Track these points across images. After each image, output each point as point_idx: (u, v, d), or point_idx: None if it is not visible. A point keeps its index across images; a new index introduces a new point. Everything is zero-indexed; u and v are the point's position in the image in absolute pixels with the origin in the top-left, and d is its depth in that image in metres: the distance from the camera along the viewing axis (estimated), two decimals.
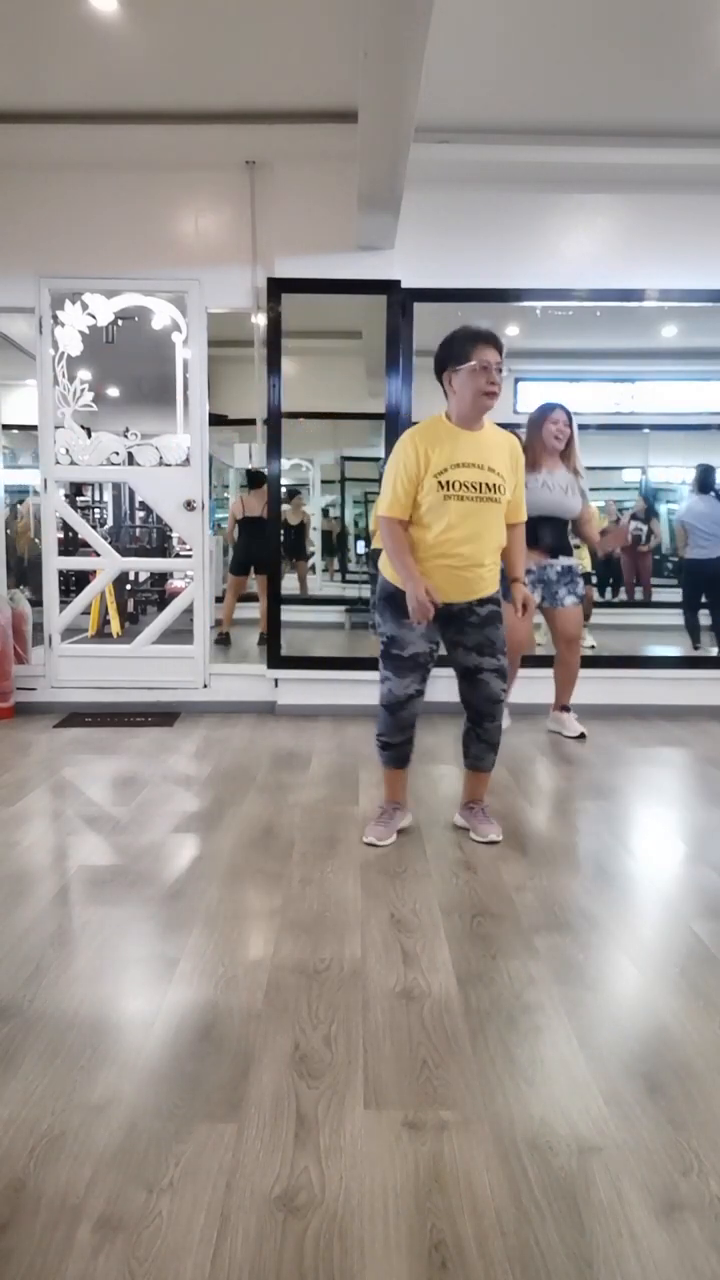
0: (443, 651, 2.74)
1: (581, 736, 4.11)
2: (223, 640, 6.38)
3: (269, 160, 4.35)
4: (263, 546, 6.57)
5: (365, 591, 7.18)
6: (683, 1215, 1.26)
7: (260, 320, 4.52)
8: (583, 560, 7.01)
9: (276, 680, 4.66)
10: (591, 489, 9.25)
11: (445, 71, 3.54)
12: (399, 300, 4.40)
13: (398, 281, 4.39)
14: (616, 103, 3.92)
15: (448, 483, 2.51)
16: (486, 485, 2.53)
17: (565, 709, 4.22)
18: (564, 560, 4.05)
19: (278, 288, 4.41)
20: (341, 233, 4.28)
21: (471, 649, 2.68)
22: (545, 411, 4.02)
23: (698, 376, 7.80)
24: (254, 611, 6.80)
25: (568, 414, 4.01)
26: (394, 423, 4.43)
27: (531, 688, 4.63)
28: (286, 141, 4.21)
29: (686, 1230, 1.23)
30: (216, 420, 4.91)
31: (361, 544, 9.52)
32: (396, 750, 2.78)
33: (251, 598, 7.03)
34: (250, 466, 6.89)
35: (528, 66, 3.63)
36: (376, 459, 5.55)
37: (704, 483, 6.20)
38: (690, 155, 4.20)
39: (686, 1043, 1.69)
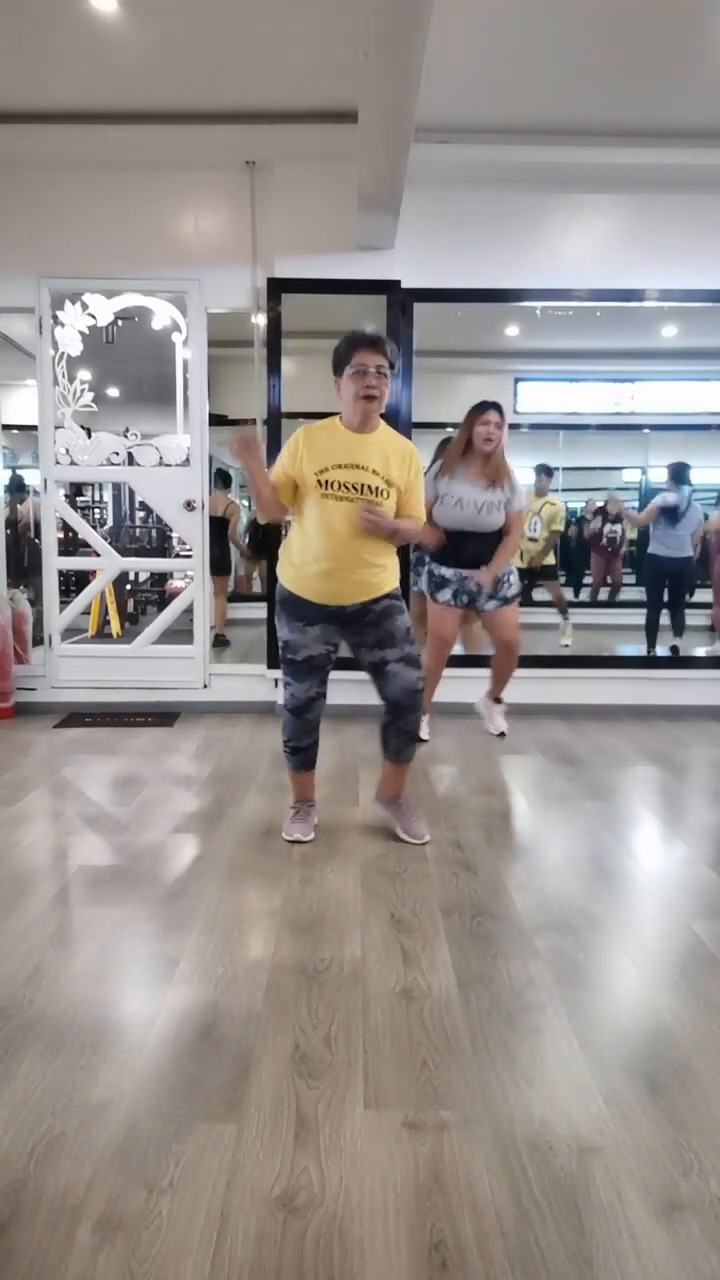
0: (347, 653, 2.73)
1: (501, 735, 4.11)
2: (219, 643, 6.38)
3: (269, 160, 4.35)
4: (222, 547, 6.69)
5: None
6: (683, 1215, 1.26)
7: (260, 320, 4.52)
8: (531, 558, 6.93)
9: (277, 680, 4.66)
10: (592, 489, 9.21)
11: (445, 71, 3.54)
12: (399, 300, 4.40)
13: (398, 281, 4.39)
14: (616, 103, 3.92)
15: (326, 482, 2.51)
16: (367, 486, 2.52)
17: (497, 700, 4.18)
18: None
19: (278, 288, 4.41)
20: (341, 233, 4.28)
21: (373, 646, 2.66)
22: (479, 410, 3.79)
23: (698, 376, 7.80)
24: (246, 612, 6.84)
25: (501, 415, 3.80)
26: (394, 423, 4.42)
27: (533, 687, 4.64)
28: (286, 141, 4.21)
29: (686, 1230, 1.23)
30: (216, 420, 4.91)
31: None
32: (304, 753, 2.79)
33: (240, 597, 7.08)
34: (226, 467, 6.96)
35: (528, 66, 3.63)
36: None
37: (678, 479, 6.11)
38: (690, 155, 4.20)
39: (686, 1043, 1.69)
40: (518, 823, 3.03)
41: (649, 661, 5.20)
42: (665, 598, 6.15)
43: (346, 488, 2.51)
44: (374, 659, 2.67)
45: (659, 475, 9.60)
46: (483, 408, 3.80)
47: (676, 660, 5.29)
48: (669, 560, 6.05)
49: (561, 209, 4.47)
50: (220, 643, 6.33)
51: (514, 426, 7.70)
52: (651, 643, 6.03)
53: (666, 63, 3.60)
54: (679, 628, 6.15)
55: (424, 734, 4.07)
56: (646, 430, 8.53)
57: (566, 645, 6.49)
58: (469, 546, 3.85)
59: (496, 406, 3.81)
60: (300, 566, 2.60)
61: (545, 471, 7.00)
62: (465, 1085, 1.55)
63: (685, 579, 6.19)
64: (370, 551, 2.57)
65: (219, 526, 6.71)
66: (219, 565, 6.82)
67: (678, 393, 7.88)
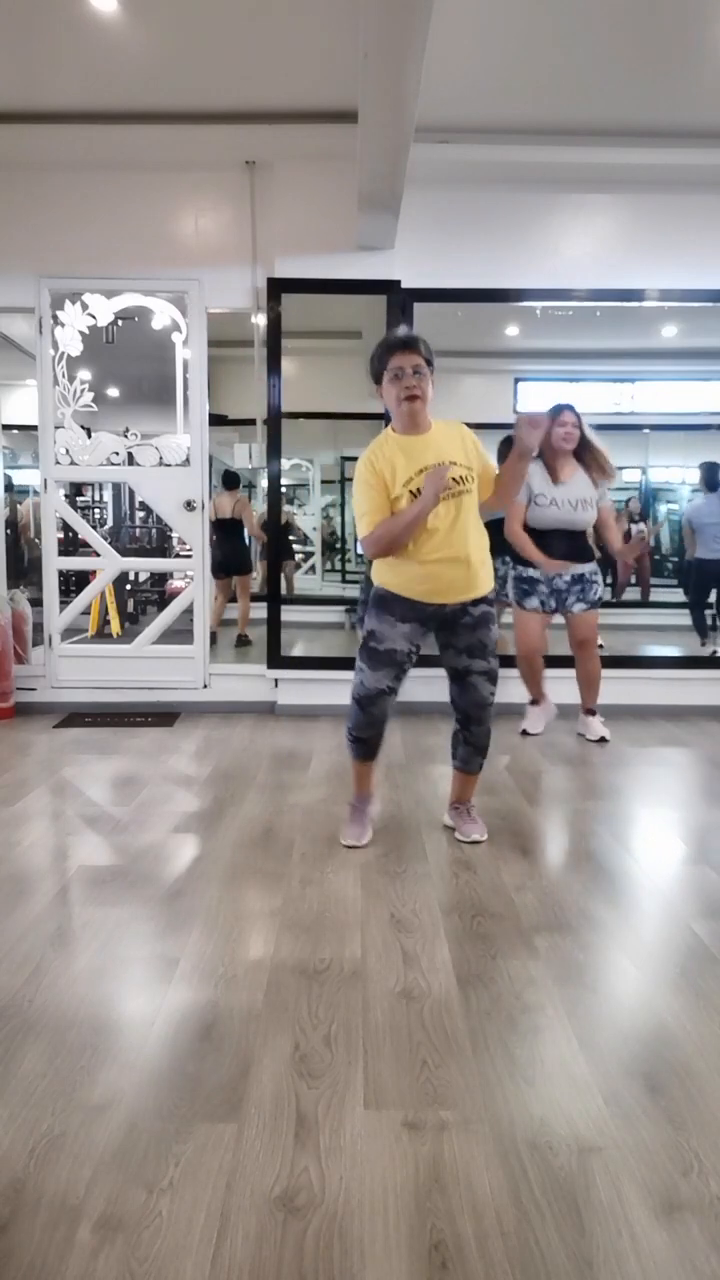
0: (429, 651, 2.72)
1: (602, 740, 4.08)
2: (242, 643, 6.40)
3: (269, 160, 4.35)
4: (233, 549, 6.69)
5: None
6: (683, 1215, 1.26)
7: (260, 320, 4.52)
8: None
9: (276, 680, 4.66)
10: None
11: (445, 71, 3.54)
12: (399, 300, 4.40)
13: (398, 281, 4.39)
14: (616, 103, 3.92)
15: (417, 491, 2.49)
16: (454, 479, 2.51)
17: (590, 712, 4.17)
18: (577, 568, 4.00)
19: (278, 288, 4.41)
20: (341, 233, 4.28)
21: (462, 651, 2.66)
22: (551, 415, 3.92)
23: (698, 376, 7.80)
24: (252, 612, 6.84)
25: (576, 414, 3.93)
26: None
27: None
28: (286, 141, 4.21)
29: (686, 1230, 1.23)
30: (216, 420, 4.91)
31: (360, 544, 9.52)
32: (365, 744, 2.76)
33: (256, 597, 7.05)
34: (230, 467, 6.97)
35: (528, 67, 3.63)
36: None
37: (711, 481, 6.17)
38: (690, 155, 4.20)
39: (686, 1043, 1.69)
40: (518, 823, 3.03)
41: (649, 661, 5.20)
42: (710, 598, 6.21)
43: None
44: (459, 665, 2.67)
45: (659, 475, 9.62)
46: (557, 410, 3.94)
47: (677, 660, 5.29)
48: (714, 562, 6.09)
49: (561, 209, 4.47)
50: (243, 643, 6.35)
51: (513, 426, 7.74)
52: (704, 638, 6.06)
53: (667, 63, 3.60)
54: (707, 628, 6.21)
55: (605, 734, 4.10)
56: (646, 430, 8.54)
57: (602, 646, 6.53)
58: (561, 545, 3.93)
59: (570, 408, 3.96)
60: (402, 569, 2.58)
61: None
62: (465, 1085, 1.55)
63: None
64: (470, 547, 2.56)
65: (234, 527, 6.72)
66: (242, 565, 6.83)
67: (678, 393, 7.88)
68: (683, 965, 2.00)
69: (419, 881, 2.47)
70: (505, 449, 4.63)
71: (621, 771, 3.63)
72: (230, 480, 6.88)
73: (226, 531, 6.69)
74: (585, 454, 3.96)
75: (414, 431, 2.56)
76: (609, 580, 8.64)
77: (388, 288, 4.40)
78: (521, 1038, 1.70)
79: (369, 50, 2.71)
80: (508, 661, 3.72)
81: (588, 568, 4.04)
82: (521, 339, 7.16)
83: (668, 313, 6.14)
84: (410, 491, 2.50)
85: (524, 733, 4.17)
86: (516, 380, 7.61)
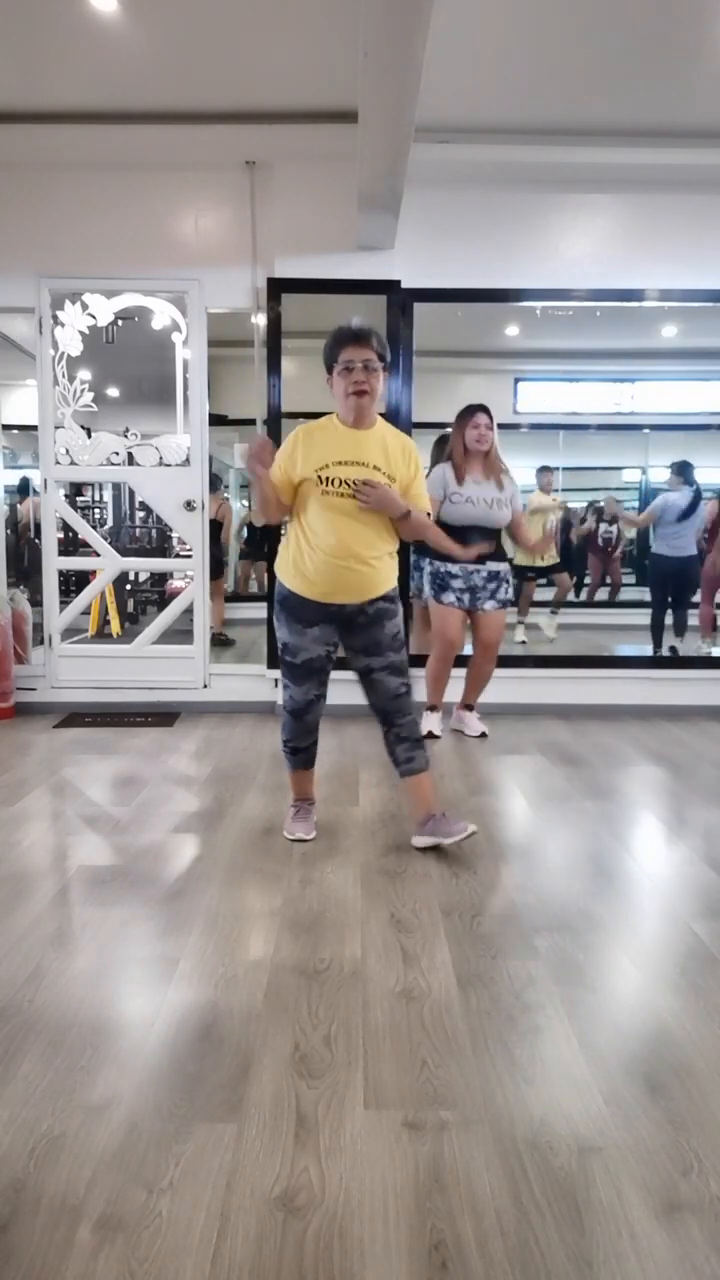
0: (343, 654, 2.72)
1: (483, 735, 4.12)
2: (219, 642, 6.42)
3: (269, 160, 4.35)
4: (216, 549, 6.75)
5: None
6: (683, 1215, 1.26)
7: (260, 320, 4.52)
8: (541, 559, 6.98)
9: (277, 680, 4.66)
10: (592, 489, 9.25)
11: (445, 71, 3.54)
12: (399, 300, 4.40)
13: (398, 281, 4.39)
14: (616, 103, 3.92)
15: (327, 479, 2.49)
16: (368, 482, 2.50)
17: (469, 708, 4.22)
18: (491, 565, 4.00)
19: (278, 288, 4.41)
20: (341, 233, 4.28)
21: (359, 651, 2.65)
22: (467, 414, 3.95)
23: (698, 376, 7.80)
24: (246, 612, 6.86)
25: (489, 415, 3.93)
26: (394, 422, 4.42)
27: (533, 687, 4.64)
28: (286, 141, 4.21)
29: (686, 1230, 1.23)
30: (216, 420, 4.91)
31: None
32: (304, 753, 2.78)
33: (237, 597, 7.11)
34: (230, 467, 6.98)
35: (528, 66, 3.63)
36: None
37: (684, 474, 6.07)
38: (690, 155, 4.20)
39: (686, 1043, 1.69)
40: (518, 823, 3.03)
41: (649, 661, 5.20)
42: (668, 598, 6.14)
43: (346, 483, 2.50)
44: (359, 665, 2.67)
45: (659, 475, 9.61)
46: (470, 412, 3.96)
47: (676, 660, 5.29)
48: (673, 559, 6.03)
49: (561, 209, 4.47)
50: (220, 642, 6.34)
51: (514, 426, 7.74)
52: (658, 642, 6.03)
53: (666, 63, 3.60)
54: (680, 627, 6.14)
55: (437, 729, 4.12)
56: (646, 430, 8.53)
57: (552, 640, 6.58)
58: (476, 541, 3.89)
59: (483, 408, 3.95)
60: (299, 564, 2.59)
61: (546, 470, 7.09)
62: (465, 1085, 1.55)
63: (689, 578, 6.17)
64: (369, 548, 2.55)
65: (213, 529, 6.74)
66: (214, 568, 6.86)
67: (678, 393, 7.88)
68: (683, 965, 2.00)
69: (419, 881, 2.47)
70: (438, 449, 4.65)
71: (621, 771, 3.63)
72: (213, 483, 6.88)
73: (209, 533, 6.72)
74: (489, 457, 3.98)
75: (358, 425, 2.56)
76: (584, 581, 8.63)
77: (388, 288, 4.40)
78: (521, 1038, 1.70)
79: (369, 50, 2.71)
80: (417, 661, 3.76)
81: (502, 566, 4.06)
82: (521, 339, 7.15)
83: (668, 313, 6.13)
84: (318, 477, 2.49)
85: (429, 734, 4.07)
86: (516, 380, 7.62)
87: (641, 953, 2.07)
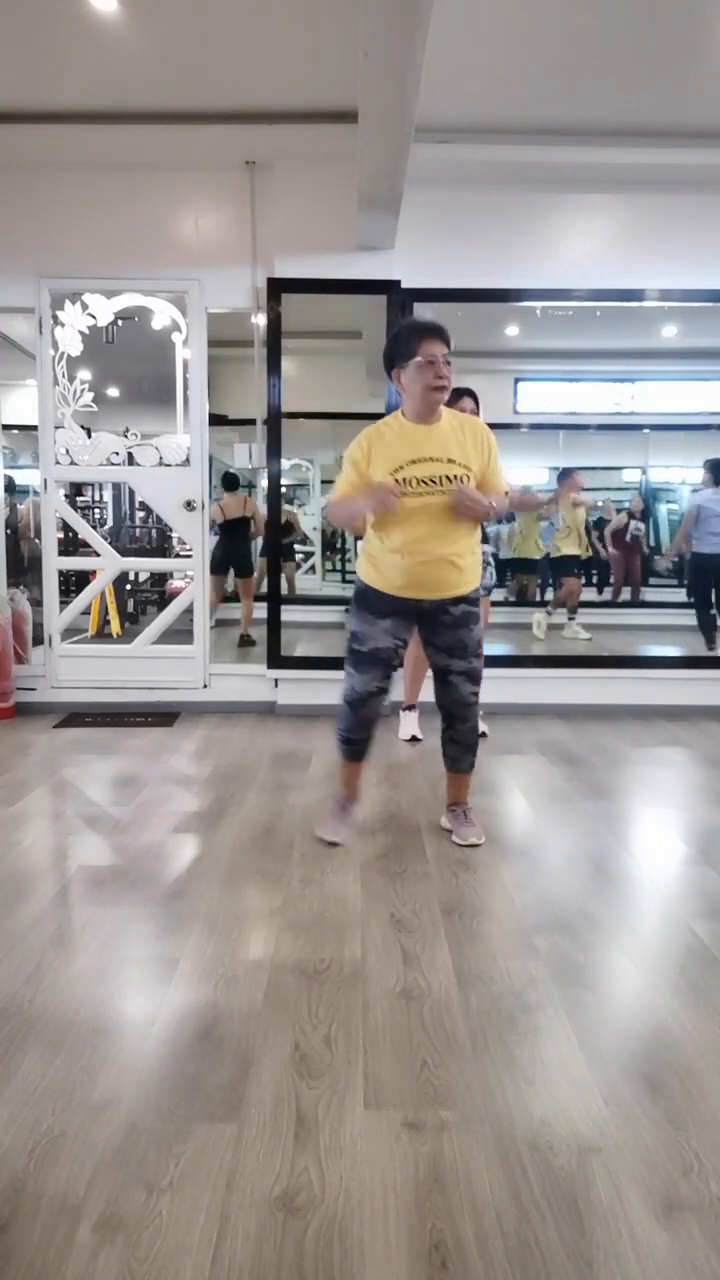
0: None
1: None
2: (245, 643, 6.44)
3: (269, 160, 4.35)
4: (238, 550, 6.71)
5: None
6: (683, 1215, 1.26)
7: (260, 320, 4.52)
8: (572, 549, 7.00)
9: (276, 680, 4.66)
10: (591, 488, 9.26)
11: (445, 71, 3.54)
12: (399, 300, 4.40)
13: (398, 281, 4.39)
14: (616, 103, 3.92)
15: (404, 480, 2.48)
16: (446, 477, 2.48)
17: (411, 708, 4.13)
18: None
19: (278, 288, 4.41)
20: (341, 233, 4.28)
21: (442, 650, 2.65)
22: (452, 399, 3.71)
23: (698, 376, 7.80)
24: (237, 612, 6.87)
25: (475, 399, 3.74)
26: None
27: (533, 687, 4.64)
28: (286, 141, 4.21)
29: (686, 1230, 1.23)
30: (216, 420, 4.91)
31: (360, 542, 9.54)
32: (357, 745, 2.76)
33: (234, 598, 7.11)
34: (230, 469, 6.98)
35: (528, 66, 3.63)
36: None
37: (717, 475, 6.10)
38: (690, 155, 4.20)
39: (686, 1043, 1.69)
40: (518, 823, 3.03)
41: (649, 661, 5.19)
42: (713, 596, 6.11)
43: (425, 483, 2.48)
44: (440, 663, 2.67)
45: (659, 475, 9.62)
46: (458, 395, 3.68)
47: (676, 660, 5.29)
48: (715, 557, 6.03)
49: (561, 209, 4.47)
50: (246, 642, 6.37)
51: (514, 426, 7.75)
52: (710, 640, 6.01)
53: (666, 63, 3.60)
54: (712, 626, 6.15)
55: (418, 732, 4.06)
56: (646, 430, 8.54)
57: (590, 639, 6.60)
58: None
59: (469, 392, 3.71)
60: (379, 562, 2.59)
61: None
62: (465, 1085, 1.55)
63: None
64: (448, 545, 2.53)
65: (239, 528, 6.75)
66: (245, 567, 6.87)
67: (678, 393, 7.89)
68: (683, 965, 2.00)
69: (419, 881, 2.47)
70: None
71: (621, 771, 3.63)
72: (231, 482, 6.90)
73: (231, 532, 6.73)
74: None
75: (426, 420, 2.54)
76: (608, 581, 8.67)
77: (388, 288, 4.40)
78: (521, 1038, 1.70)
79: (369, 50, 2.71)
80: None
81: (485, 547, 3.88)
82: (521, 339, 7.16)
83: (668, 313, 6.13)
84: (396, 479, 2.47)
85: (414, 739, 4.03)
86: (516, 380, 7.63)
87: (641, 953, 2.07)
